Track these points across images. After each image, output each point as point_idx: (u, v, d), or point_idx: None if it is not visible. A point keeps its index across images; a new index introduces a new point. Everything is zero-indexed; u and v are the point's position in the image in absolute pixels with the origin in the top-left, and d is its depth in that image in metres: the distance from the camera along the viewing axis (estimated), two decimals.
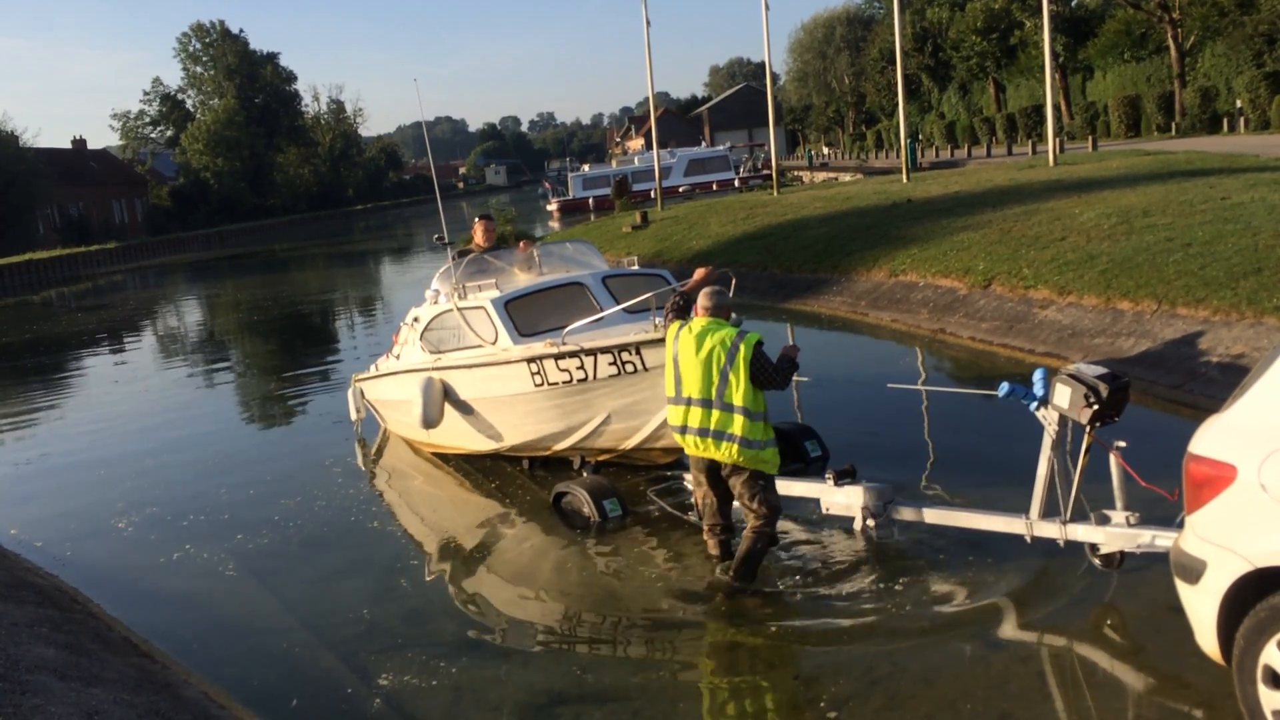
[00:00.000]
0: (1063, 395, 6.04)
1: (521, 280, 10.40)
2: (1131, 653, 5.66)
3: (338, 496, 10.06)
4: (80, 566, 8.86)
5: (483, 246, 11.39)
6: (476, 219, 11.77)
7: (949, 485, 8.35)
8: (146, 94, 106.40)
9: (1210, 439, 4.51)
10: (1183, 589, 4.67)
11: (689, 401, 6.80)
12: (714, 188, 55.38)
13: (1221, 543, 4.38)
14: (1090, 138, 40.39)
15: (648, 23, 34.26)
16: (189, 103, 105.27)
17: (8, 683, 5.57)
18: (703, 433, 6.78)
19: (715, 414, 6.70)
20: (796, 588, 6.90)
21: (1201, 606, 4.54)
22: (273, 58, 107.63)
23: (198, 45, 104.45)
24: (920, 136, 70.10)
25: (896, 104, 32.89)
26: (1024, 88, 59.08)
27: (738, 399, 6.61)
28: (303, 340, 24.40)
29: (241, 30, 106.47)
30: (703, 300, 6.97)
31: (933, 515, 7.05)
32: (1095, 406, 5.89)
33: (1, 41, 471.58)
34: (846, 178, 47.10)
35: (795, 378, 10.19)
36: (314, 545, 8.76)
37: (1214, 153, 27.69)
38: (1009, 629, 6.05)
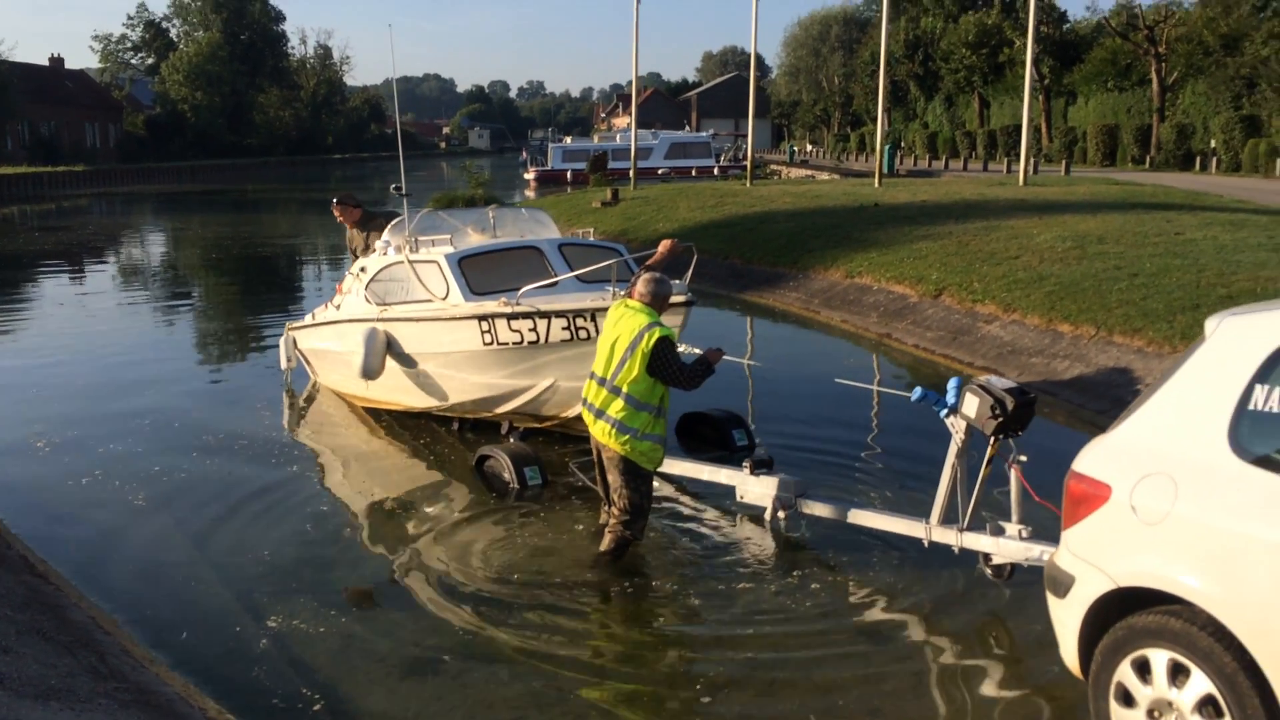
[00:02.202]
0: (970, 405, 6.13)
1: (475, 239, 10.35)
2: (1008, 662, 5.78)
3: (261, 440, 10.01)
4: None
5: (350, 224, 11.72)
6: (335, 201, 11.92)
7: (867, 484, 8.47)
8: (130, 18, 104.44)
9: (1091, 458, 4.61)
10: (1052, 602, 4.78)
11: (593, 376, 6.87)
12: (693, 173, 55.32)
13: (1090, 559, 4.48)
14: (1065, 162, 40.69)
15: (638, 0, 34.09)
16: (173, 32, 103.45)
17: None
18: (592, 409, 6.86)
19: (604, 393, 6.77)
20: (692, 573, 6.98)
21: (1066, 621, 4.65)
22: None
23: None
24: (902, 144, 70.42)
25: (880, 108, 32.95)
26: (1008, 106, 59.40)
27: (625, 384, 6.65)
28: (261, 283, 24.21)
29: None
30: (639, 284, 6.96)
31: (838, 513, 7.13)
32: (1000, 419, 5.98)
33: None
34: (823, 176, 47.24)
35: (748, 361, 10.32)
36: (228, 484, 8.71)
37: (1181, 189, 28.05)
38: (895, 629, 6.15)
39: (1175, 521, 4.14)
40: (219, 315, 19.38)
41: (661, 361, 6.59)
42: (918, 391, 6.46)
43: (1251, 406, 4.08)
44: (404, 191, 10.96)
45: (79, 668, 5.23)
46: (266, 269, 26.87)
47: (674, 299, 7.15)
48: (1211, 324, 4.44)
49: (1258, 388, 4.08)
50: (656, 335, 6.56)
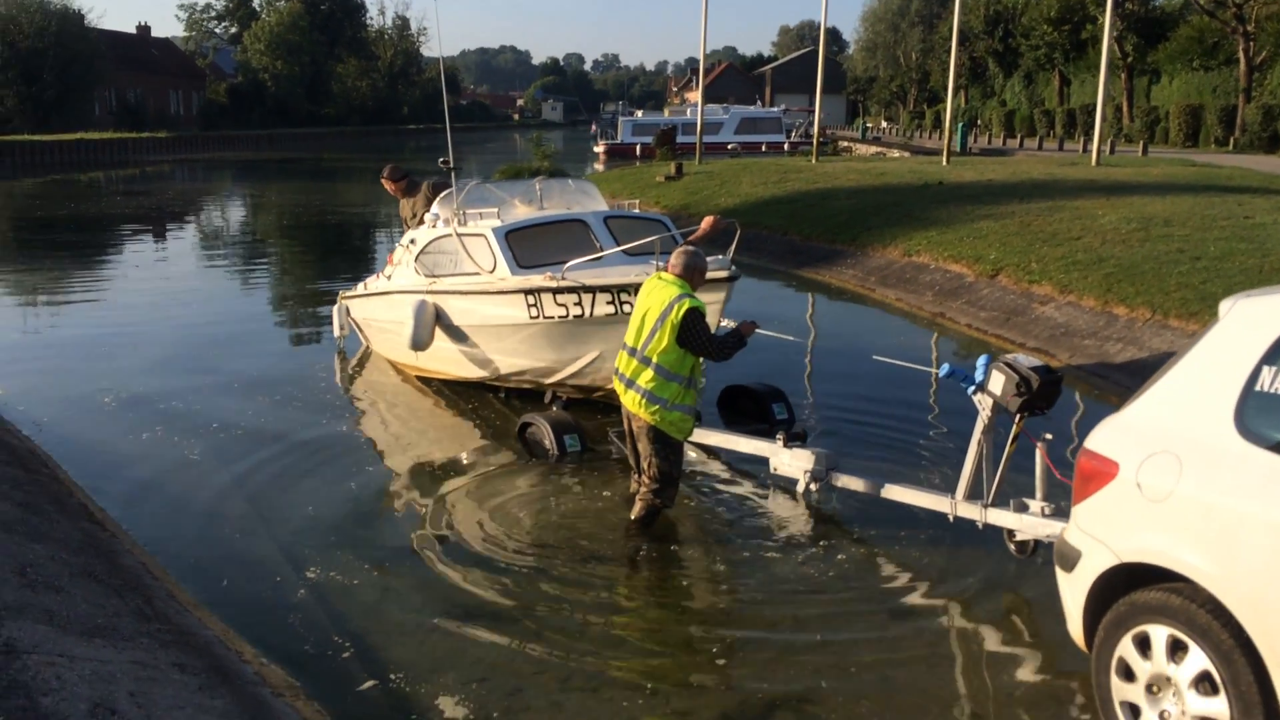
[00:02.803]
0: (997, 382, 6.15)
1: (522, 212, 10.50)
2: (1028, 639, 5.81)
3: (314, 402, 10.33)
4: (58, 433, 9.19)
5: (401, 198, 11.92)
6: (384, 174, 12.16)
7: (900, 458, 8.49)
8: None
9: (1102, 435, 4.64)
10: (1060, 576, 4.83)
11: (625, 346, 6.99)
12: (763, 149, 54.96)
13: (1097, 535, 4.53)
14: (1143, 143, 39.70)
15: None
16: (256, 1, 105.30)
17: None
18: (623, 379, 6.98)
19: (634, 363, 6.88)
20: (721, 541, 7.12)
21: (1072, 595, 4.71)
22: None
23: None
24: (979, 122, 69.16)
25: (956, 85, 32.45)
26: (1089, 84, 57.88)
27: (656, 355, 6.75)
28: (330, 250, 24.72)
29: None
30: (673, 257, 7.05)
31: (867, 486, 7.19)
32: (1025, 396, 6.00)
33: None
34: (893, 154, 46.69)
35: (780, 335, 10.37)
36: (279, 442, 9.01)
37: (1260, 171, 27.24)
38: (914, 599, 6.22)
39: (1178, 500, 4.17)
40: (286, 281, 19.85)
41: (691, 332, 6.68)
42: (945, 368, 6.48)
43: (1259, 388, 4.08)
44: (451, 165, 11.15)
45: (125, 609, 5.52)
46: (336, 236, 27.40)
47: (715, 274, 7.24)
48: (1225, 305, 4.43)
49: (1265, 369, 4.08)
50: (686, 306, 6.65)
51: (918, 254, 16.72)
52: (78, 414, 9.84)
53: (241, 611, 5.99)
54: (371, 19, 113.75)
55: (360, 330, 12.26)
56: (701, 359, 6.94)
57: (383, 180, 12.21)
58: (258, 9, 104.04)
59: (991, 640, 5.78)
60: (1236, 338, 4.26)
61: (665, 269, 7.09)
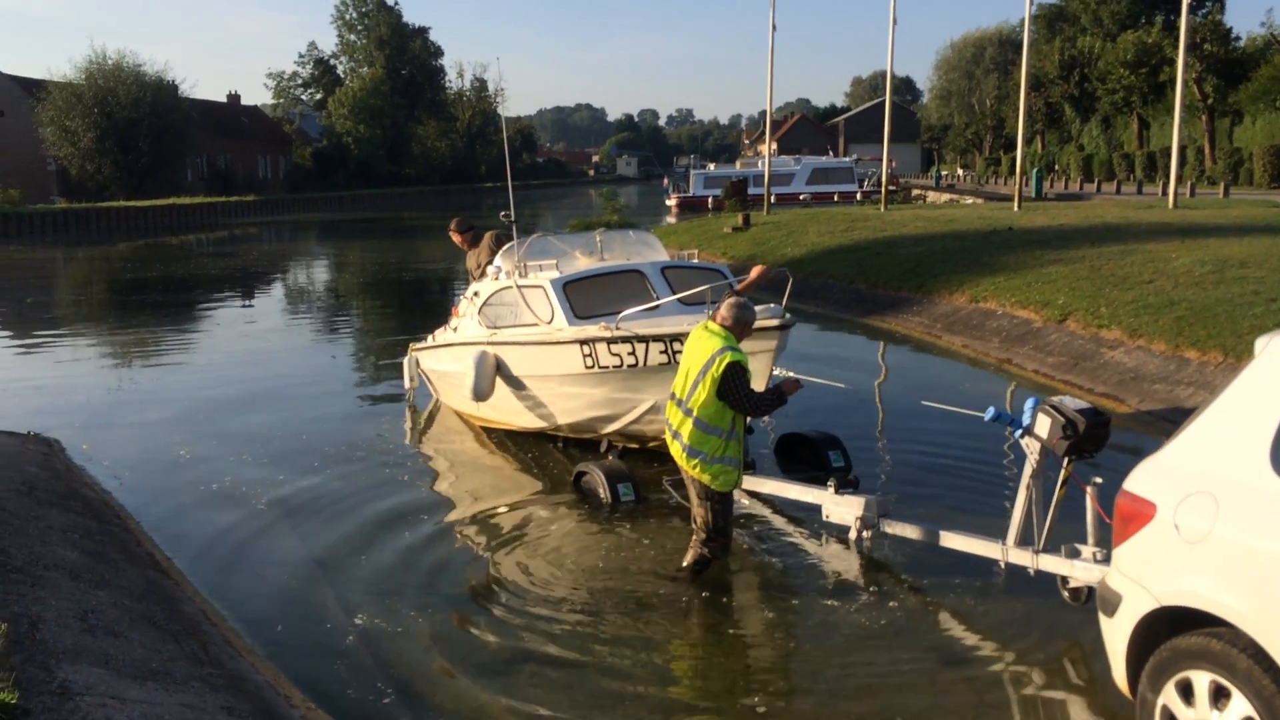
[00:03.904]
0: (1043, 425, 6.08)
1: (582, 263, 10.65)
2: (1076, 684, 5.70)
3: (378, 453, 10.54)
4: (134, 486, 9.52)
5: (468, 250, 12.15)
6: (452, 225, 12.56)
7: (954, 504, 8.39)
8: (301, 56, 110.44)
9: (1140, 476, 4.56)
10: (1103, 621, 4.74)
11: (673, 397, 7.03)
12: (835, 198, 54.96)
13: (1136, 578, 4.44)
14: (1224, 184, 38.80)
15: (774, 27, 34.29)
16: (340, 69, 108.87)
17: (23, 575, 6.12)
18: (671, 430, 7.03)
19: (679, 415, 6.91)
20: (771, 588, 7.15)
21: (1115, 640, 4.61)
22: (423, 32, 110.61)
23: (354, 14, 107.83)
24: (1056, 167, 68.28)
25: (1032, 130, 32.19)
26: (1168, 126, 56.78)
27: (696, 408, 6.77)
28: (407, 305, 25.24)
29: (396, 2, 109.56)
30: (721, 308, 7.06)
31: (919, 533, 7.12)
32: (1071, 439, 5.92)
33: None
34: (966, 200, 46.29)
35: (830, 382, 10.35)
36: (342, 493, 9.20)
37: None
38: (964, 647, 6.14)
39: (1216, 541, 4.08)
40: (362, 335, 20.32)
41: (731, 386, 6.69)
42: (991, 411, 6.41)
43: None
44: (512, 219, 11.38)
45: (180, 654, 5.69)
46: (414, 291, 27.98)
47: (767, 322, 7.26)
48: (1261, 343, 4.36)
49: None
50: (728, 360, 6.67)
51: (985, 300, 16.55)
52: (154, 468, 10.16)
53: (292, 657, 6.13)
54: (450, 81, 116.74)
55: (429, 381, 12.49)
56: None
57: (450, 233, 12.53)
58: (342, 76, 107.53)
59: (1043, 688, 5.66)
60: (1271, 376, 4.19)
61: (712, 318, 7.13)
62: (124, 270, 35.15)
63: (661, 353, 8.66)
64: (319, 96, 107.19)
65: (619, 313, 8.97)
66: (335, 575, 7.39)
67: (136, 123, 66.70)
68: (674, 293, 9.56)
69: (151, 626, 5.99)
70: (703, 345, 6.87)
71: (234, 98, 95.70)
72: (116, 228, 55.27)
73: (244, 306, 25.76)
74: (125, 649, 5.45)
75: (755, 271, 8.34)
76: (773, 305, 7.48)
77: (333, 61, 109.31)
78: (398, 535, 8.17)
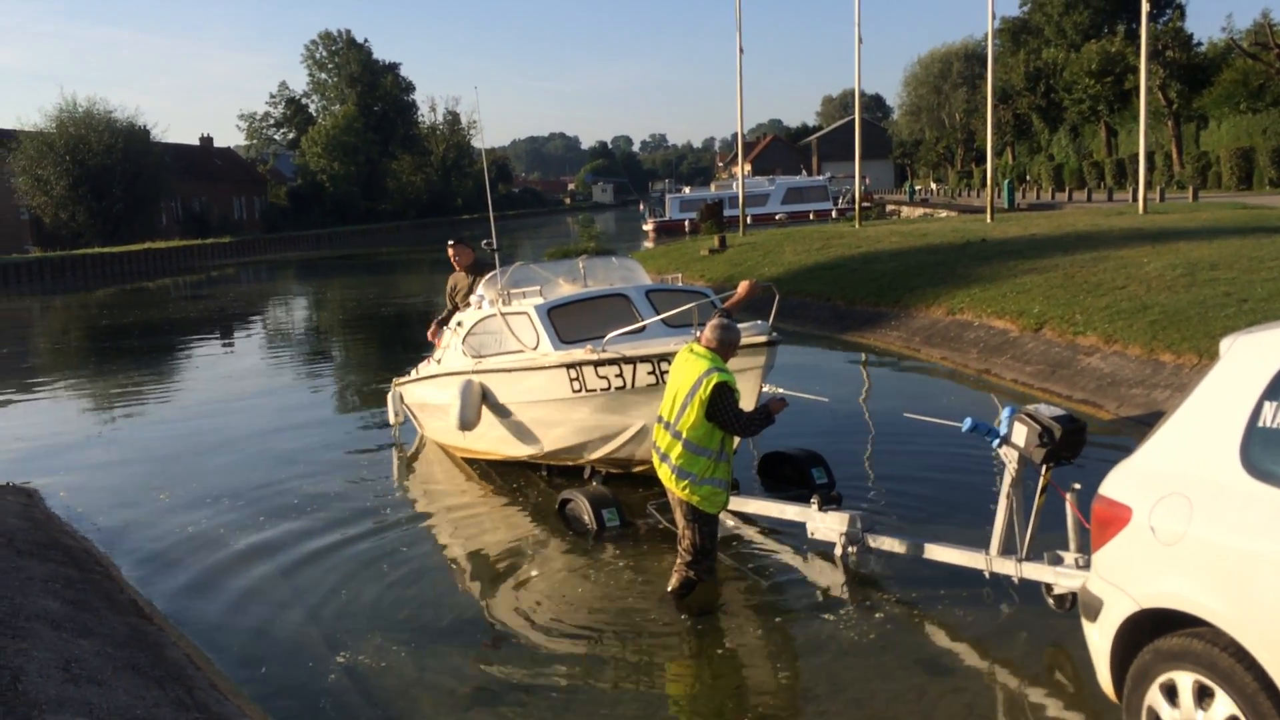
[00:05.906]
0: (1020, 434, 6.12)
1: (566, 289, 10.64)
2: (1065, 691, 5.70)
3: (361, 491, 10.47)
4: (114, 531, 9.45)
5: (460, 267, 11.99)
6: (450, 244, 12.27)
7: (936, 517, 8.42)
8: (273, 96, 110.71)
9: (1115, 481, 4.60)
10: (1085, 626, 4.76)
11: (660, 419, 7.04)
12: (810, 216, 55.31)
13: (1116, 582, 4.47)
14: (1193, 188, 39.24)
15: (741, 50, 34.56)
16: (312, 107, 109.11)
17: (5, 627, 6.07)
18: (659, 453, 7.03)
19: (667, 437, 6.92)
20: (758, 607, 7.12)
21: (1098, 645, 4.63)
22: (394, 68, 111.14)
23: (324, 53, 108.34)
24: (1027, 177, 68.89)
25: (1002, 142, 32.49)
26: (1135, 133, 57.61)
27: (685, 429, 6.78)
28: (387, 340, 25.16)
29: (366, 40, 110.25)
30: (705, 330, 7.07)
31: (902, 546, 7.14)
32: (1048, 447, 5.96)
33: (144, 39, 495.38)
34: (941, 214, 46.64)
35: (812, 397, 10.38)
36: (325, 532, 9.12)
37: None
38: (952, 657, 6.14)
39: (1191, 541, 4.11)
40: (340, 373, 20.26)
41: (719, 407, 6.70)
42: (968, 422, 6.44)
43: (1261, 424, 4.04)
44: (494, 248, 11.39)
45: (165, 699, 5.64)
46: (394, 326, 27.91)
47: (753, 339, 7.26)
48: (1226, 343, 4.41)
49: (1267, 404, 4.04)
50: (715, 380, 6.68)
51: (961, 312, 16.66)
52: (135, 514, 10.08)
53: (276, 696, 6.09)
54: (423, 116, 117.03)
55: (413, 415, 12.42)
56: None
57: (449, 249, 12.20)
58: (314, 114, 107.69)
59: (1031, 696, 5.67)
60: (1237, 375, 4.23)
61: (697, 340, 7.14)
62: (101, 317, 35.01)
63: (649, 373, 8.65)
64: (291, 135, 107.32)
65: (604, 336, 8.98)
66: (319, 613, 7.34)
67: (109, 169, 66.66)
68: (658, 315, 9.58)
69: (135, 673, 5.94)
70: (689, 367, 6.89)
71: (206, 140, 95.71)
72: (92, 275, 55.07)
73: (223, 348, 25.68)
74: (109, 697, 5.40)
75: (742, 287, 8.33)
76: (759, 322, 7.49)
77: (304, 100, 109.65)
78: (381, 571, 8.12)
